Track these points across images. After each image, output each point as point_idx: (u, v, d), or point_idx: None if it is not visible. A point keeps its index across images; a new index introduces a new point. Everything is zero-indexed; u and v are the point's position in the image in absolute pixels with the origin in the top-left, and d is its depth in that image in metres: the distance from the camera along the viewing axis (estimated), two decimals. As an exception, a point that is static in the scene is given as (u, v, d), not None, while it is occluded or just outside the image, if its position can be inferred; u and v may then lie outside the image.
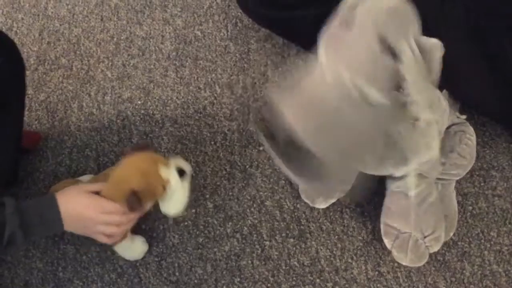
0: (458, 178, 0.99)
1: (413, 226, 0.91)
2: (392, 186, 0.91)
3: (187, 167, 0.91)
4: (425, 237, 0.92)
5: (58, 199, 0.83)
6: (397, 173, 0.87)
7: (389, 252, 0.98)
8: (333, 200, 1.00)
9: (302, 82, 0.72)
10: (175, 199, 0.89)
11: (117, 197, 0.85)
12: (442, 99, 0.89)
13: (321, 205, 1.01)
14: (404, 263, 0.94)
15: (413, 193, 0.89)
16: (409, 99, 0.66)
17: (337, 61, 0.68)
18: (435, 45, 0.67)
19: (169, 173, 0.87)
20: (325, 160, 0.74)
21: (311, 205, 1.01)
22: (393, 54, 0.65)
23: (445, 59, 1.05)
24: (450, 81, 1.02)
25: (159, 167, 0.86)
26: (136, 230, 0.97)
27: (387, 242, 0.94)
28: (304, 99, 0.71)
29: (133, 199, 0.83)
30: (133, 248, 0.96)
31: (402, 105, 0.72)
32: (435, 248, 0.93)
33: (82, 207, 0.84)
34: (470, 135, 0.97)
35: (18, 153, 1.03)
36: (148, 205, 0.91)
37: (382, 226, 0.95)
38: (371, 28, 0.65)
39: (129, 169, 0.85)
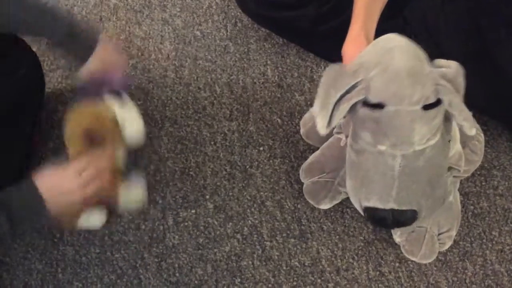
0: (467, 175, 0.98)
1: (432, 221, 0.91)
2: None
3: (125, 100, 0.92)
4: (439, 234, 0.91)
5: (36, 181, 0.80)
6: None
7: (391, 253, 0.98)
8: (337, 202, 1.00)
9: None
10: (129, 125, 0.90)
11: (78, 147, 0.86)
12: None
13: (326, 206, 1.00)
14: (413, 258, 0.93)
15: None
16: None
17: (397, 141, 0.71)
18: (455, 72, 0.69)
19: (111, 106, 0.89)
20: None
21: (316, 206, 1.01)
22: (434, 103, 0.68)
23: (445, 58, 1.05)
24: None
25: (100, 108, 0.88)
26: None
27: (399, 234, 0.93)
28: (398, 185, 0.74)
29: (89, 136, 0.84)
30: (132, 193, 0.95)
31: None
32: (447, 246, 0.93)
33: (57, 180, 0.82)
34: (479, 131, 0.97)
35: (29, 155, 1.06)
36: (111, 146, 0.89)
37: None
38: (405, 101, 0.67)
39: (76, 118, 0.88)
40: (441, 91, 0.67)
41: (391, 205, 0.73)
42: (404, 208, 0.73)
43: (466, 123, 0.68)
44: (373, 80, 0.68)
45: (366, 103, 0.69)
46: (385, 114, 0.68)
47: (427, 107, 0.67)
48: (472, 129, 0.68)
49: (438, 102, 0.68)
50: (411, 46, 0.70)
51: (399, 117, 0.67)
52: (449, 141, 0.78)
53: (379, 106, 0.68)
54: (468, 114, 0.68)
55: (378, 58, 0.69)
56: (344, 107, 0.68)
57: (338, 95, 0.68)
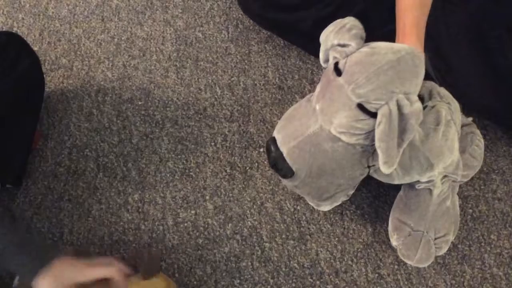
0: (466, 180, 0.99)
1: (428, 225, 0.91)
2: (415, 184, 0.91)
3: None
4: (435, 238, 0.92)
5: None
6: (423, 179, 0.87)
7: (389, 255, 0.98)
8: (337, 204, 1.00)
9: (298, 121, 0.78)
10: None
11: None
12: (453, 98, 0.89)
13: (326, 208, 1.00)
14: (409, 262, 0.93)
15: (437, 191, 0.89)
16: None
17: (324, 109, 0.72)
18: (413, 112, 0.68)
19: None
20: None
21: (316, 208, 1.01)
22: (370, 112, 0.68)
23: (446, 61, 1.05)
24: (451, 83, 1.02)
25: None
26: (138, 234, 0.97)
27: (396, 238, 0.94)
28: (300, 142, 0.75)
29: None
30: None
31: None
32: (443, 250, 0.93)
33: None
34: (479, 137, 0.98)
35: (28, 152, 1.06)
36: None
37: (393, 222, 0.94)
38: (352, 85, 0.67)
39: None
40: (383, 115, 0.67)
41: (283, 149, 0.77)
42: (288, 160, 0.77)
43: (383, 166, 0.69)
44: (356, 52, 0.70)
45: (336, 63, 0.72)
46: (334, 81, 0.70)
47: (362, 108, 0.68)
48: (387, 170, 0.70)
49: (372, 115, 0.68)
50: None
51: (339, 92, 0.68)
52: (368, 166, 0.78)
53: (339, 72, 0.70)
54: (390, 158, 0.69)
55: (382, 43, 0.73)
56: (327, 50, 0.75)
57: (335, 42, 0.74)
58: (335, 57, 0.73)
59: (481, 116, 1.10)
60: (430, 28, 1.07)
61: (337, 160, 0.75)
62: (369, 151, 0.75)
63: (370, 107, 0.68)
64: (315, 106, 0.75)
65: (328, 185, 0.81)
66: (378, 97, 0.67)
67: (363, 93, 0.67)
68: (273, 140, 0.79)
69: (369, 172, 0.81)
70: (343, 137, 0.71)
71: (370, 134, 0.71)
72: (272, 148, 0.78)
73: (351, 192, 1.00)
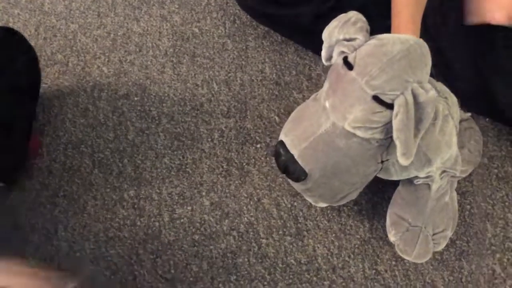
0: (465, 175, 0.98)
1: (426, 220, 0.90)
2: (413, 179, 0.90)
3: None
4: (434, 234, 0.91)
5: None
6: (422, 174, 0.86)
7: (387, 251, 0.97)
8: None
9: (307, 122, 0.77)
10: None
11: None
12: (451, 93, 0.89)
13: (324, 204, 1.00)
14: (407, 258, 0.93)
15: (436, 186, 0.89)
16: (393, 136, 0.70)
17: (336, 105, 0.70)
18: (429, 100, 0.68)
19: None
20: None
21: (314, 204, 1.00)
22: (386, 103, 0.67)
23: (444, 58, 1.05)
24: (449, 80, 1.01)
25: None
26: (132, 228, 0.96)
27: (394, 233, 0.93)
28: (312, 142, 0.75)
29: None
30: None
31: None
32: (441, 246, 0.93)
33: None
34: (478, 132, 0.97)
35: (24, 153, 1.05)
36: None
37: (391, 216, 0.93)
38: (366, 78, 0.67)
39: None
40: (400, 105, 0.67)
41: (294, 151, 0.75)
42: (300, 162, 0.75)
43: (401, 158, 0.69)
44: (365, 45, 0.69)
45: (345, 57, 0.71)
46: (346, 75, 0.69)
47: (377, 99, 0.67)
48: (406, 162, 0.69)
49: (388, 106, 0.68)
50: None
51: (352, 86, 0.68)
52: (381, 161, 0.78)
53: (349, 66, 0.69)
54: (408, 149, 0.68)
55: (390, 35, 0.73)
56: (331, 47, 0.74)
57: (340, 37, 0.72)
58: (342, 52, 0.72)
59: (480, 114, 1.10)
60: (429, 25, 1.07)
61: (352, 157, 0.73)
62: (385, 145, 0.74)
63: (386, 98, 0.67)
64: (325, 104, 0.73)
65: (342, 185, 0.79)
66: (393, 87, 0.67)
67: (378, 85, 0.66)
68: (282, 143, 0.77)
69: (381, 168, 0.80)
70: (359, 132, 0.70)
71: (385, 127, 0.70)
72: (282, 151, 0.76)
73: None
